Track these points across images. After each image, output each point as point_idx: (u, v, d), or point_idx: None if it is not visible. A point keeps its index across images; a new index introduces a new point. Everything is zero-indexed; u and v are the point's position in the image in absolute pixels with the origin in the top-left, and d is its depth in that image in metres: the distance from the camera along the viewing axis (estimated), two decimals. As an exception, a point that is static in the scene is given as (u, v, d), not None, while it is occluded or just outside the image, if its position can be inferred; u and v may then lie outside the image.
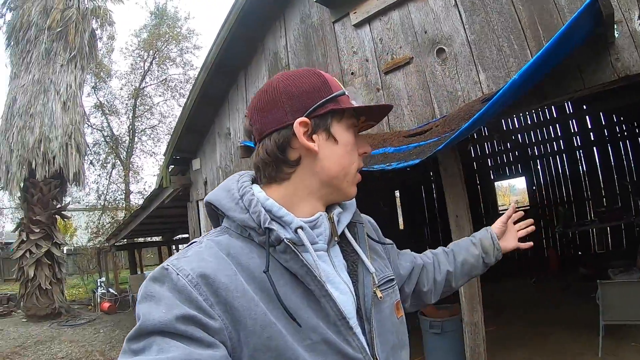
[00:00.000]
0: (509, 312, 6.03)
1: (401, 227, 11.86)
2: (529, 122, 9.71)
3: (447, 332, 4.24)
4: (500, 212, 11.20)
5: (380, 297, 0.90)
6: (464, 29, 3.48)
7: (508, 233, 1.42)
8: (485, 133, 9.07)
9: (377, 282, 0.91)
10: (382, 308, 0.91)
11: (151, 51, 20.23)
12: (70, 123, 11.99)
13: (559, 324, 5.10)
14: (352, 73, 4.34)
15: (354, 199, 1.00)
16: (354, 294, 0.87)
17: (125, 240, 12.54)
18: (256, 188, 0.89)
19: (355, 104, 0.92)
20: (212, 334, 0.68)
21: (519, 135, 10.11)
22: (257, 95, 0.91)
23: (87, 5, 13.11)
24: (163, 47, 20.48)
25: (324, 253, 0.87)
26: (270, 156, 0.87)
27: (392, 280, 1.01)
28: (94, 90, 20.16)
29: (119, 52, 26.03)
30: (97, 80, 19.90)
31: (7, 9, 12.91)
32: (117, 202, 20.39)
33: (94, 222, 19.40)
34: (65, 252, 16.11)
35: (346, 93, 0.90)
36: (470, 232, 3.27)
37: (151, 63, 20.76)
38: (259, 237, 0.81)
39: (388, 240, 1.17)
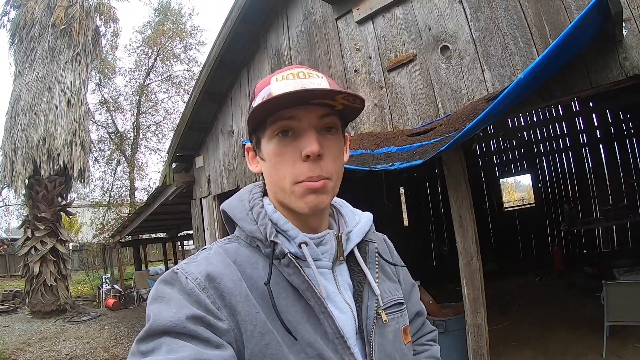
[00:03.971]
0: (513, 310, 5.98)
1: (405, 224, 11.79)
2: (535, 119, 9.70)
3: (451, 331, 4.21)
4: (505, 208, 11.18)
5: (385, 321, 0.87)
6: (469, 26, 3.43)
7: None
8: (490, 130, 9.02)
9: (382, 305, 0.88)
10: (386, 332, 0.88)
11: (155, 48, 20.22)
12: (74, 120, 12.00)
13: (563, 324, 5.05)
14: (355, 70, 4.30)
15: (371, 215, 0.98)
16: (355, 314, 0.85)
17: (130, 236, 12.57)
18: (266, 200, 0.90)
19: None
20: (220, 334, 0.70)
21: (524, 132, 10.07)
22: None
23: (90, 3, 13.15)
24: (167, 44, 20.47)
25: (327, 271, 0.86)
26: None
27: (401, 304, 0.96)
28: (99, 87, 20.20)
29: (123, 49, 25.91)
30: (102, 77, 19.94)
31: (10, 7, 12.93)
32: (122, 198, 20.44)
33: (99, 219, 19.44)
34: (70, 248, 16.19)
35: (259, 98, 0.81)
36: (474, 233, 3.27)
37: (155, 60, 20.76)
38: (265, 249, 0.83)
39: (401, 263, 1.10)
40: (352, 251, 0.91)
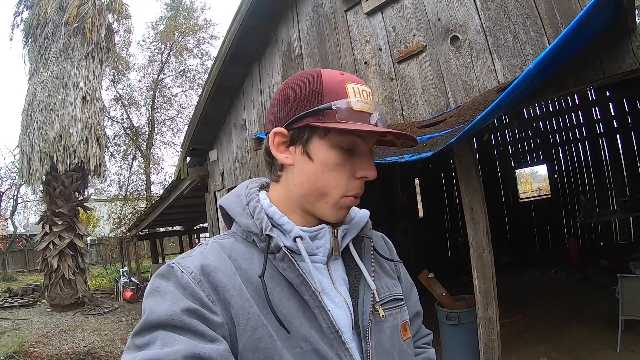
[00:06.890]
0: (528, 303, 5.93)
1: (420, 215, 11.72)
2: (550, 109, 9.52)
3: (464, 323, 4.20)
4: (521, 199, 11.05)
5: (382, 316, 0.87)
6: (479, 15, 3.38)
7: None
8: (505, 120, 8.90)
9: (377, 299, 0.88)
10: (383, 327, 0.88)
11: (168, 43, 20.31)
12: (89, 116, 12.12)
13: (578, 318, 5.00)
14: (365, 62, 4.28)
15: (367, 212, 0.98)
16: (350, 309, 0.85)
17: (147, 230, 12.70)
18: (262, 195, 0.91)
19: (359, 124, 0.79)
20: (214, 328, 0.70)
21: (540, 122, 9.92)
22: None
23: (102, 0, 13.21)
24: (180, 39, 20.54)
25: (322, 265, 0.86)
26: (264, 155, 0.91)
27: (399, 300, 0.96)
28: (113, 84, 20.36)
29: (136, 45, 26.24)
30: (116, 74, 20.07)
31: (23, 7, 13.06)
32: (138, 192, 20.68)
33: (116, 213, 19.71)
34: (88, 242, 16.44)
35: (339, 106, 0.78)
36: (486, 226, 3.24)
37: (169, 55, 20.86)
38: (260, 243, 0.83)
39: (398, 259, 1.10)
40: (347, 247, 0.91)
